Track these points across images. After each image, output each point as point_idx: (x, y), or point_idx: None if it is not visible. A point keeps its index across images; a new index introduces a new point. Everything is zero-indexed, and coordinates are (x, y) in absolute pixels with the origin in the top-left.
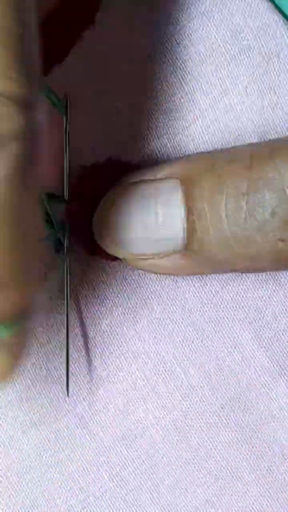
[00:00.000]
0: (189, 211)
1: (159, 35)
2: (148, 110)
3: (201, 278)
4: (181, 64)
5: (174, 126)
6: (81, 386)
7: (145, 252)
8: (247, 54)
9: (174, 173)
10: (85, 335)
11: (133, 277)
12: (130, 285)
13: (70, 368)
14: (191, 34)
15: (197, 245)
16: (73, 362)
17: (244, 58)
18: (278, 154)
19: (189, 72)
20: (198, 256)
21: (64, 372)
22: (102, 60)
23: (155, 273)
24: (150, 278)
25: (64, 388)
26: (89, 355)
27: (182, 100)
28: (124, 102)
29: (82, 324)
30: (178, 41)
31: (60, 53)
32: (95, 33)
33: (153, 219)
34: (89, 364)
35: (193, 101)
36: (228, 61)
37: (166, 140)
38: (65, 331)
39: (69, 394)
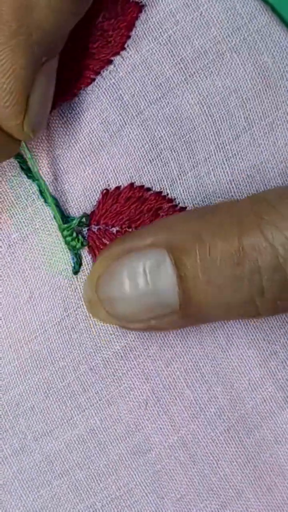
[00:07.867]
0: (181, 279)
1: (187, 67)
2: (171, 139)
3: None
4: (207, 95)
5: (195, 156)
6: (93, 402)
7: (142, 318)
8: (273, 91)
9: (159, 241)
10: (99, 356)
11: None
12: None
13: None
14: (220, 68)
15: (194, 309)
16: (87, 379)
17: (270, 95)
18: (266, 221)
19: (214, 105)
20: (195, 316)
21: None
22: (128, 86)
23: (153, 331)
24: None
25: (78, 402)
26: (102, 374)
27: (205, 131)
28: (147, 128)
29: (96, 345)
30: (206, 74)
31: (88, 76)
32: (124, 59)
33: (145, 288)
34: (102, 382)
35: (216, 133)
36: (254, 97)
37: (188, 169)
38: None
39: (82, 408)
